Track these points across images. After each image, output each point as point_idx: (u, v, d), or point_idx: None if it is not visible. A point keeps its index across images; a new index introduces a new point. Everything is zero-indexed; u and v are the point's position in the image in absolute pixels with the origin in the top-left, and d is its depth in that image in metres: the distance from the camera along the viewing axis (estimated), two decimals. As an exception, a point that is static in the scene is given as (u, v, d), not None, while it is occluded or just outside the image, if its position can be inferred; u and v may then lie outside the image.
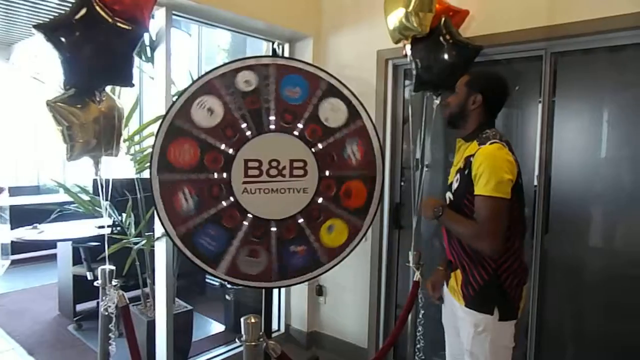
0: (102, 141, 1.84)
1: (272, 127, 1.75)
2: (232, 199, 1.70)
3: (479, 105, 1.63)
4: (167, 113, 1.62)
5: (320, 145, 1.82)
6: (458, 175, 1.63)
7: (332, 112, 1.83)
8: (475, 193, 1.50)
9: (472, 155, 1.55)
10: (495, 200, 1.45)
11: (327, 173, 1.84)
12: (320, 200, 1.84)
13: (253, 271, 1.73)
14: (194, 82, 1.66)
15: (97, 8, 1.62)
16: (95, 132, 1.80)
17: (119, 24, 1.69)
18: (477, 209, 1.51)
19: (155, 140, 1.61)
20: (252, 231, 1.74)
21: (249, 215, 1.73)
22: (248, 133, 1.72)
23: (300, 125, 1.79)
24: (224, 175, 1.69)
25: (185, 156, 1.64)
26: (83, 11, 1.61)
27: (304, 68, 1.81)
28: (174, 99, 1.74)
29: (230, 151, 1.69)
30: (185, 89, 1.65)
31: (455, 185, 1.64)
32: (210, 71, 1.67)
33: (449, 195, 1.70)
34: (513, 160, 1.52)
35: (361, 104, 1.87)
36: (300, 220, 1.82)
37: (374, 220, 1.95)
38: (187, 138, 1.64)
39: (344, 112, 1.84)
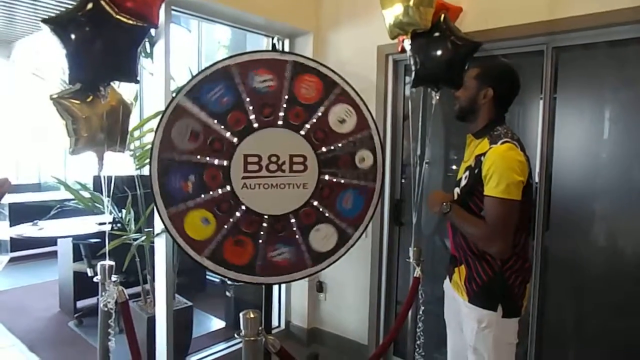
0: (107, 136, 1.84)
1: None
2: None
3: (489, 100, 1.59)
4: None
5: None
6: (467, 173, 1.60)
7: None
8: (485, 194, 1.48)
9: (483, 154, 1.52)
10: (505, 203, 1.44)
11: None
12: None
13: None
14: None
15: (103, 3, 1.61)
16: (100, 127, 1.81)
17: (124, 19, 1.68)
18: (486, 210, 1.49)
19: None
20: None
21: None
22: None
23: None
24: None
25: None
26: (89, 6, 1.61)
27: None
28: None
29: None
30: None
31: (463, 182, 1.62)
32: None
33: (457, 190, 1.68)
34: (524, 160, 1.49)
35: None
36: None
37: (374, 215, 1.97)
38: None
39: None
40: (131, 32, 1.71)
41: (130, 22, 1.69)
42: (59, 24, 1.58)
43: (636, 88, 2.06)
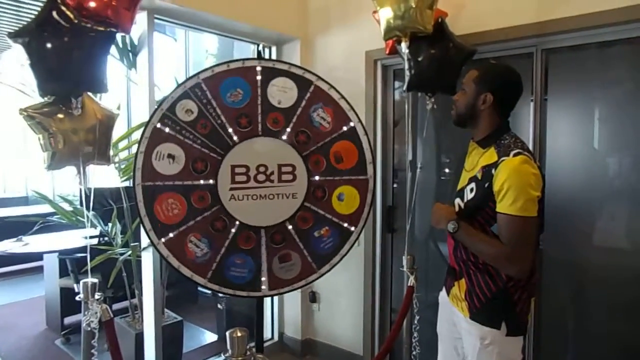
0: (85, 149, 1.76)
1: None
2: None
3: (489, 105, 1.48)
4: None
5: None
6: (473, 185, 1.49)
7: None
8: (500, 211, 1.38)
9: (492, 166, 1.41)
10: (524, 221, 1.34)
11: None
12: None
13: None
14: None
15: (64, 9, 1.52)
16: (77, 140, 1.73)
17: (86, 25, 1.58)
18: (502, 228, 1.39)
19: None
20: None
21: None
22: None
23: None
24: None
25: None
26: (53, 14, 1.52)
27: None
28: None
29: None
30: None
31: (469, 195, 1.50)
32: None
33: (458, 202, 1.56)
34: (539, 173, 1.39)
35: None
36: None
37: (367, 223, 1.92)
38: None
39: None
40: (95, 39, 1.61)
41: (93, 27, 1.59)
42: (22, 36, 1.50)
43: (625, 87, 2.04)
